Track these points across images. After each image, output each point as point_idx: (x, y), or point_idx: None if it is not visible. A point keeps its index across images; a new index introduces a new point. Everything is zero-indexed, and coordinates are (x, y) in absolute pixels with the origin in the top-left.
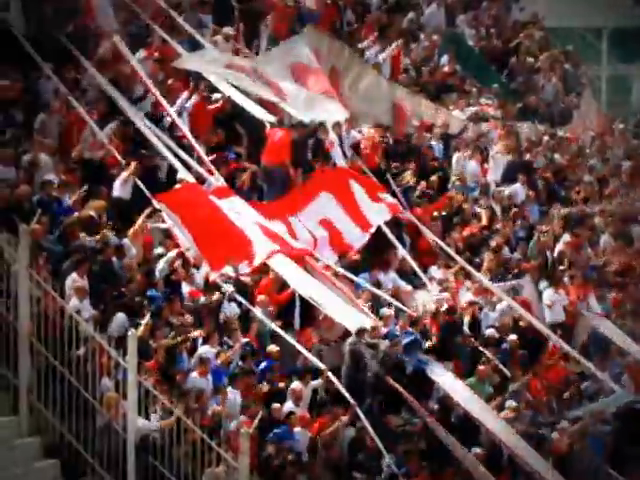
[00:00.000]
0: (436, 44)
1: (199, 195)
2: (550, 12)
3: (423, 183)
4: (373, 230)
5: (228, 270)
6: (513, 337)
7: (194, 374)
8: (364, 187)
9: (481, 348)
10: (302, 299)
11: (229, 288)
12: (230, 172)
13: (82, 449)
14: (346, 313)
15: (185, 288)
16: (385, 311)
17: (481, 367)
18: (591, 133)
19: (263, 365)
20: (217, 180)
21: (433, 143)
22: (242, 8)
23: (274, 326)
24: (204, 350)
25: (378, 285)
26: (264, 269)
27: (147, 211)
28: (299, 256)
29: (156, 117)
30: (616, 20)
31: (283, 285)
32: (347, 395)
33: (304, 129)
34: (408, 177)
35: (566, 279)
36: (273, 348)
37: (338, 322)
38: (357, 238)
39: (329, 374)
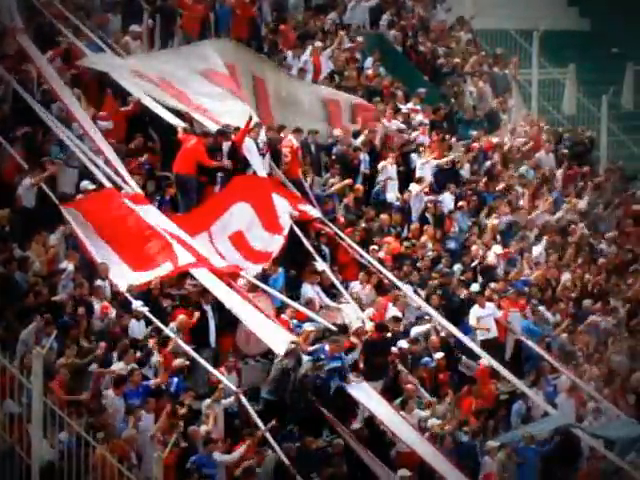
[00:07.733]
0: (359, 46)
1: (114, 200)
2: (479, 13)
3: (351, 195)
4: (286, 232)
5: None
6: (439, 355)
7: (110, 392)
8: (287, 199)
9: (401, 366)
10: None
11: (140, 306)
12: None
13: None
14: (271, 331)
15: (95, 304)
16: (307, 326)
17: (408, 386)
18: (521, 140)
19: (175, 382)
20: (132, 188)
21: (359, 149)
22: (153, 8)
23: (185, 346)
24: (118, 367)
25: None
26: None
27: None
28: (221, 273)
29: (64, 121)
30: (548, 22)
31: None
32: (257, 419)
33: (217, 136)
34: (335, 184)
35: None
36: (182, 362)
37: (262, 340)
38: (269, 243)
39: (241, 397)
